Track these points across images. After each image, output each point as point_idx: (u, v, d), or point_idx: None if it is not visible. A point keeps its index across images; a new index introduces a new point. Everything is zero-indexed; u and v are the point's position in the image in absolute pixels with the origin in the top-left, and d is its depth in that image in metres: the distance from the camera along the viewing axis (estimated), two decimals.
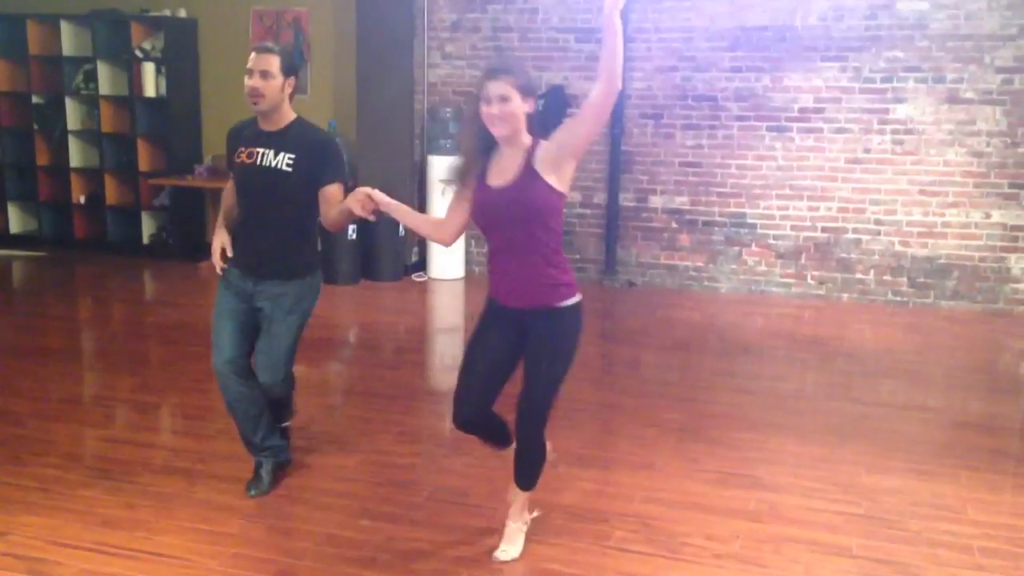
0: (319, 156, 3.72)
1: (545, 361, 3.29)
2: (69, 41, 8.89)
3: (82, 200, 9.13)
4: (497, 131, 3.15)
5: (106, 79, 8.86)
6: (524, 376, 3.32)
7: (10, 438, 4.48)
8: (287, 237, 3.79)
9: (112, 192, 9.07)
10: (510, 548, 3.46)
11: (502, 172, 3.21)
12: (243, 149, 3.76)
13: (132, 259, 8.84)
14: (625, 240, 8.19)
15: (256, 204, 3.77)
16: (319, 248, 4.07)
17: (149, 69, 8.67)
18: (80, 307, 7.61)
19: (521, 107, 3.14)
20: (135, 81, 8.75)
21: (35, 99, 9.09)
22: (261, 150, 3.71)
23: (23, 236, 9.35)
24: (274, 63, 3.63)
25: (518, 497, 3.49)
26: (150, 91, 8.71)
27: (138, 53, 8.69)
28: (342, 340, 6.68)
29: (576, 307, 3.29)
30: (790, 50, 7.55)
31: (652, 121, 7.97)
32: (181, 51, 8.72)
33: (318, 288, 3.91)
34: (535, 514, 3.58)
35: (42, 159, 9.19)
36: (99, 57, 8.79)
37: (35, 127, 9.12)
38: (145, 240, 9.03)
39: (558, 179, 3.17)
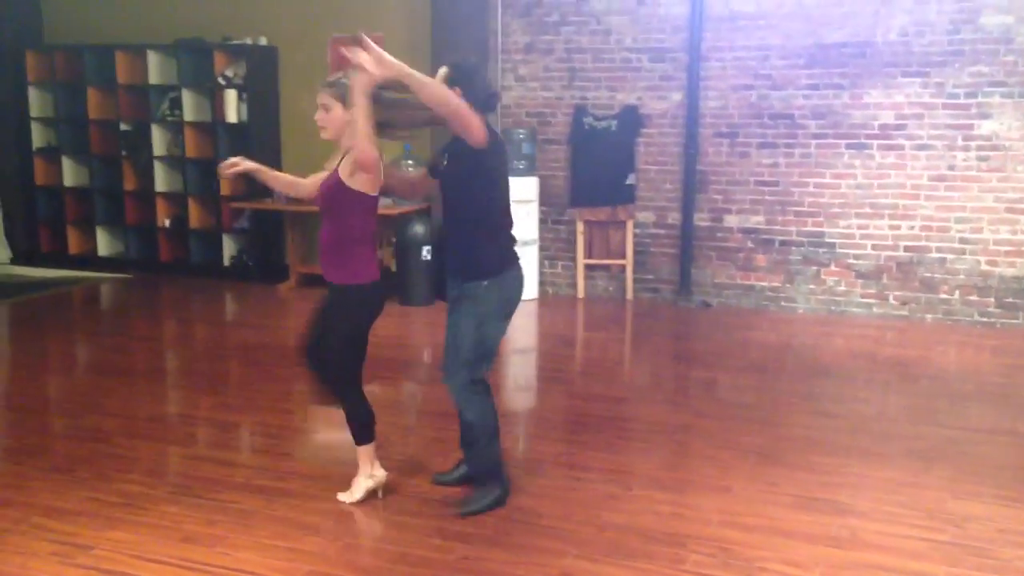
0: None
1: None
2: (155, 70, 9.19)
3: (167, 223, 9.40)
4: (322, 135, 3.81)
5: (190, 106, 9.13)
6: None
7: (97, 455, 4.61)
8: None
9: (195, 215, 9.32)
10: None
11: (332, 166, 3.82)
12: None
13: (214, 281, 9.07)
14: (700, 260, 8.11)
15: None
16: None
17: (231, 96, 8.90)
18: (164, 328, 7.82)
19: (340, 116, 3.71)
20: (217, 107, 9.00)
21: (123, 126, 9.40)
22: None
23: (111, 259, 9.66)
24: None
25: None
26: (232, 117, 8.94)
27: (221, 80, 8.93)
28: (416, 360, 6.74)
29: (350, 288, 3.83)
30: (869, 66, 7.42)
31: (727, 140, 7.90)
32: (262, 78, 8.95)
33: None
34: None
35: (129, 184, 9.49)
36: (184, 85, 9.07)
37: (123, 153, 9.43)
38: (226, 262, 9.25)
39: (353, 182, 3.71)
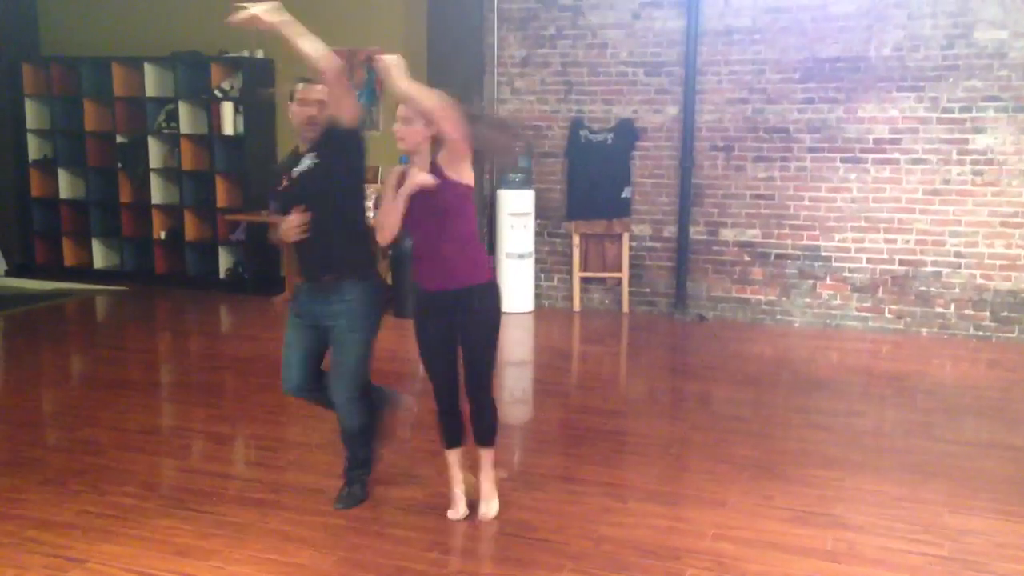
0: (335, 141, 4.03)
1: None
2: (152, 82, 9.20)
3: (162, 236, 9.40)
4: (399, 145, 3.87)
5: (187, 118, 9.14)
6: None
7: (91, 467, 4.59)
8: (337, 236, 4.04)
9: (191, 228, 9.32)
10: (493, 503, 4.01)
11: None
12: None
13: (209, 293, 9.05)
14: (696, 273, 8.11)
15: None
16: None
17: (228, 108, 8.91)
18: (159, 340, 7.80)
19: (420, 131, 3.80)
20: (214, 120, 9.00)
21: (119, 139, 9.41)
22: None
23: (106, 271, 9.65)
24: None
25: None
26: (228, 129, 8.95)
27: (217, 93, 8.95)
28: (411, 373, 6.72)
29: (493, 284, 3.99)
30: (864, 81, 7.45)
31: (723, 154, 7.92)
32: (258, 90, 8.95)
33: (380, 301, 4.15)
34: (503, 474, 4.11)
35: (125, 196, 9.50)
36: (180, 97, 9.08)
37: (119, 166, 9.44)
38: (221, 274, 9.24)
39: (459, 173, 3.79)
